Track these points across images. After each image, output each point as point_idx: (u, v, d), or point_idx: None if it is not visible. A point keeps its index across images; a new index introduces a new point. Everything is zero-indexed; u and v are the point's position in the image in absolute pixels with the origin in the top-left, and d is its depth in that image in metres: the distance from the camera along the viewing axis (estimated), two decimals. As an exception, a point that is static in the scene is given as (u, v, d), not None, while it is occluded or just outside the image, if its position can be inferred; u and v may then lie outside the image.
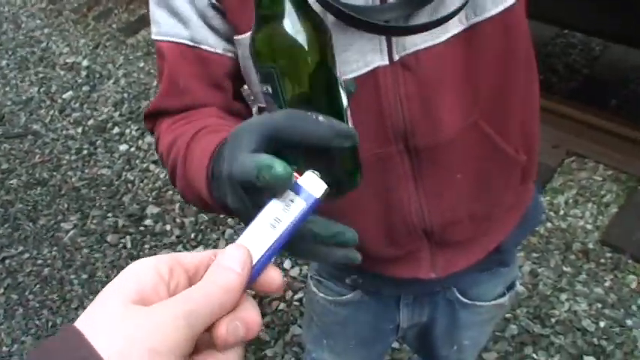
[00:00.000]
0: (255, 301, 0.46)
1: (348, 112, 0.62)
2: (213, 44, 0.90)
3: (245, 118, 0.96)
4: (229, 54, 0.91)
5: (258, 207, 0.52)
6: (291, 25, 0.57)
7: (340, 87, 0.61)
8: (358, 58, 0.84)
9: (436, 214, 1.00)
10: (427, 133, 0.90)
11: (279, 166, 0.50)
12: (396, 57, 0.85)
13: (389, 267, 1.11)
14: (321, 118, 0.54)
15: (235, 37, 0.88)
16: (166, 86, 0.94)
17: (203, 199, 0.73)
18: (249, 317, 0.44)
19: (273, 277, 0.46)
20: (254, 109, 0.98)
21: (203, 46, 0.90)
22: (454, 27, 0.83)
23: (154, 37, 0.94)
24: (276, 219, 0.50)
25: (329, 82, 0.60)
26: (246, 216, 0.59)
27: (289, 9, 0.57)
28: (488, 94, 0.91)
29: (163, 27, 0.92)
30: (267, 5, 0.57)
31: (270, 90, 0.59)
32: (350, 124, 0.61)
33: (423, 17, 0.81)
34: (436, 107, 0.88)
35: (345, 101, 0.61)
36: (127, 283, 0.41)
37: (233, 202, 0.61)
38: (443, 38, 0.84)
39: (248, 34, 0.83)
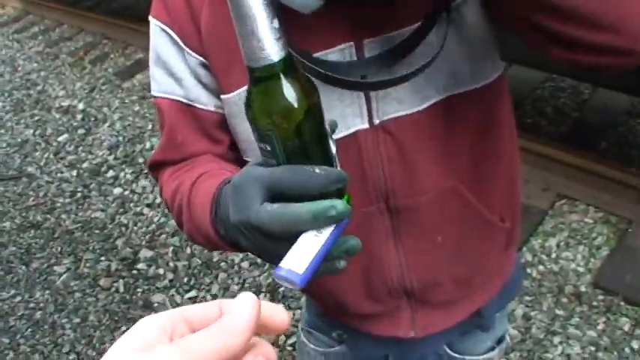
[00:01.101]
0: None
1: (337, 158, 0.67)
2: (205, 102, 0.94)
3: (241, 163, 0.99)
4: (221, 110, 0.94)
5: (275, 243, 0.63)
6: (287, 90, 0.60)
7: (329, 137, 0.66)
8: (340, 121, 0.85)
9: (416, 274, 1.02)
10: (407, 194, 0.93)
11: (340, 204, 0.59)
12: (377, 121, 0.88)
13: (369, 324, 1.13)
14: (317, 170, 0.61)
15: (222, 97, 0.91)
16: (166, 140, 0.99)
17: (211, 240, 0.80)
18: (268, 352, 0.46)
19: (280, 315, 0.47)
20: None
21: (196, 104, 0.94)
22: (433, 96, 0.87)
23: (153, 93, 0.98)
24: (316, 234, 0.61)
25: (321, 135, 0.64)
26: (260, 253, 0.69)
27: (283, 74, 0.60)
28: (467, 162, 0.94)
29: (161, 85, 0.96)
30: (262, 72, 0.60)
31: (268, 148, 0.62)
32: (338, 167, 0.67)
33: (400, 73, 0.83)
34: (415, 170, 0.91)
35: (333, 148, 0.66)
36: (131, 341, 0.43)
37: (247, 244, 0.68)
38: (422, 106, 0.87)
39: (233, 94, 0.88)
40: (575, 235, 2.87)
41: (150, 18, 0.94)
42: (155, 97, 0.98)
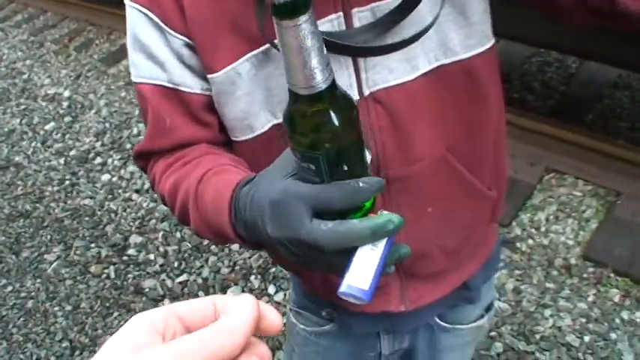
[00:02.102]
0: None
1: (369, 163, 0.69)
2: (191, 85, 0.92)
3: (229, 147, 0.98)
4: (207, 92, 0.92)
5: (329, 257, 0.66)
6: (335, 115, 0.62)
7: (366, 147, 0.67)
8: None
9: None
10: (398, 164, 0.92)
11: (396, 218, 0.64)
12: (367, 92, 0.87)
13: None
14: (361, 183, 0.64)
15: (209, 76, 0.89)
16: (153, 127, 0.96)
17: (229, 239, 0.82)
18: (263, 352, 0.44)
19: (272, 319, 0.46)
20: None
21: (181, 88, 0.92)
22: (424, 66, 0.86)
23: (133, 79, 0.96)
24: (372, 247, 0.65)
25: (361, 147, 0.66)
26: (307, 264, 0.72)
27: (330, 100, 0.61)
28: (457, 132, 0.94)
29: (142, 70, 0.93)
30: (311, 99, 0.60)
31: (312, 167, 0.64)
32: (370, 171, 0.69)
33: (391, 41, 0.83)
34: (407, 140, 0.90)
35: (368, 156, 0.68)
36: (122, 341, 0.41)
37: (291, 256, 0.70)
38: (412, 76, 0.86)
39: (220, 73, 0.86)
40: (564, 209, 2.88)
41: (125, 1, 0.92)
42: (136, 83, 0.95)
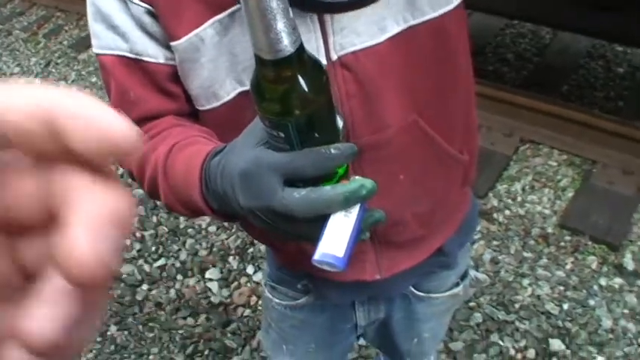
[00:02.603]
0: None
1: (343, 129, 0.68)
2: (154, 54, 0.89)
3: (196, 117, 0.96)
4: (171, 62, 0.90)
5: (302, 226, 0.65)
6: (304, 80, 0.60)
7: (337, 112, 0.66)
8: None
9: None
10: (369, 131, 0.90)
11: (369, 183, 0.64)
12: (334, 57, 0.85)
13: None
14: (332, 150, 0.63)
15: (171, 44, 0.87)
16: (117, 100, 0.93)
17: (201, 212, 0.81)
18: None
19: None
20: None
21: (144, 58, 0.89)
22: (392, 28, 0.84)
23: (95, 50, 0.93)
24: (345, 214, 0.64)
25: (332, 113, 0.65)
26: (280, 233, 0.70)
27: (298, 64, 0.59)
28: (428, 95, 0.92)
29: (103, 40, 0.90)
30: (278, 64, 0.58)
31: (282, 135, 0.62)
32: (343, 137, 0.68)
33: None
34: (377, 106, 0.89)
35: (340, 122, 0.67)
36: None
37: (264, 225, 0.69)
38: (381, 39, 0.84)
39: (183, 40, 0.84)
40: (540, 178, 2.89)
41: None
42: (98, 54, 0.92)
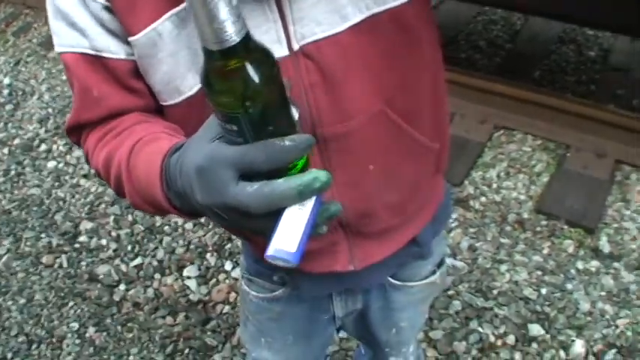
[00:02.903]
0: None
1: (299, 121, 0.66)
2: (115, 50, 0.88)
3: (162, 113, 0.95)
4: (132, 57, 0.89)
5: (257, 221, 0.63)
6: (252, 70, 0.58)
7: (291, 104, 0.64)
8: None
9: (351, 205, 0.99)
10: (334, 121, 0.89)
11: (323, 176, 0.61)
12: (296, 46, 0.84)
13: (308, 262, 1.09)
14: (286, 142, 0.61)
15: (129, 39, 0.85)
16: (80, 98, 0.92)
17: (164, 211, 0.79)
18: None
19: None
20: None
21: (105, 54, 0.88)
22: (353, 16, 0.83)
23: (56, 49, 0.91)
24: (299, 207, 0.62)
25: (286, 105, 0.63)
26: (237, 228, 0.71)
27: (245, 53, 0.57)
28: (394, 84, 0.91)
29: (63, 38, 0.89)
30: (224, 54, 0.57)
31: (234, 128, 0.60)
32: (300, 129, 0.66)
33: None
34: (341, 95, 0.88)
35: (295, 113, 0.65)
36: None
37: (221, 222, 0.68)
38: (343, 27, 0.83)
39: (140, 35, 0.83)
40: (515, 164, 2.90)
41: None
42: (60, 52, 0.91)
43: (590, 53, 3.60)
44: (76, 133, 0.98)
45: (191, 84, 0.87)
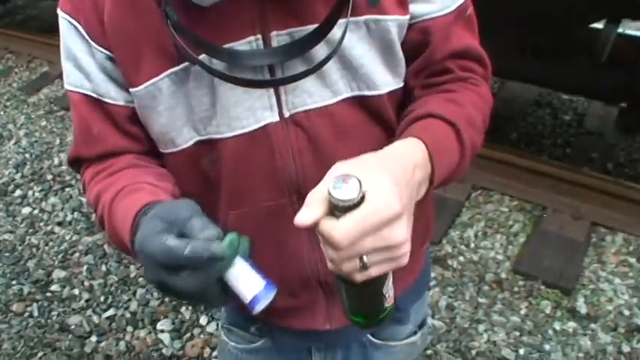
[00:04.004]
0: None
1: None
2: (115, 97, 0.92)
3: (159, 157, 1.00)
4: (131, 104, 0.93)
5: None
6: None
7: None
8: (249, 115, 0.88)
9: None
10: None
11: (227, 241, 0.71)
12: (287, 114, 0.89)
13: (286, 318, 1.11)
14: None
15: (130, 90, 0.90)
16: (80, 134, 0.97)
17: (130, 255, 0.84)
18: None
19: None
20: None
21: (106, 99, 0.93)
22: (345, 92, 0.89)
23: (65, 86, 0.96)
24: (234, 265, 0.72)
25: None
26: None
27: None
28: None
29: (71, 78, 0.94)
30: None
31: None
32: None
33: (299, 68, 0.85)
34: (328, 161, 0.89)
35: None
36: None
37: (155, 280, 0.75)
38: (333, 101, 0.89)
39: (141, 88, 0.88)
40: (492, 225, 2.93)
41: (58, 10, 0.92)
42: (67, 90, 0.96)
43: (565, 117, 3.69)
44: (77, 164, 1.02)
45: (186, 138, 0.92)
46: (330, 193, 0.62)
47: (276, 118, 0.88)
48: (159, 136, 0.94)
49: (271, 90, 0.87)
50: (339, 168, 0.68)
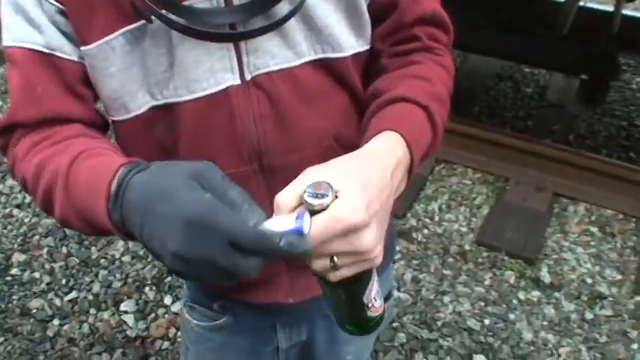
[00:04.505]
0: None
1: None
2: (68, 52, 0.85)
3: (105, 131, 0.93)
4: (84, 61, 0.86)
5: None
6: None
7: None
8: (209, 76, 0.84)
9: None
10: (281, 152, 0.91)
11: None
12: (248, 76, 0.86)
13: (248, 292, 1.09)
14: (282, 243, 0.62)
15: (82, 48, 0.84)
16: (21, 95, 0.87)
17: (100, 228, 0.74)
18: None
19: None
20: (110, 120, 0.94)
21: (58, 53, 0.85)
22: (308, 54, 0.87)
23: (4, 43, 0.87)
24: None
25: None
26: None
27: None
28: (343, 123, 0.94)
29: (16, 33, 0.86)
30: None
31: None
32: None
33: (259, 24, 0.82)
34: (290, 128, 0.89)
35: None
36: None
37: (178, 265, 0.66)
38: (296, 62, 0.86)
39: (93, 46, 0.82)
40: (456, 197, 2.95)
41: None
42: (8, 47, 0.87)
43: (527, 90, 3.72)
44: (6, 135, 0.91)
45: (140, 103, 0.86)
46: (304, 199, 0.63)
47: (238, 81, 0.85)
48: (109, 102, 0.88)
49: (232, 51, 0.84)
50: (309, 173, 0.67)
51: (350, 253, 0.66)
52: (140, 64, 0.83)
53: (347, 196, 0.64)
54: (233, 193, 0.67)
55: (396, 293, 2.48)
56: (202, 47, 0.82)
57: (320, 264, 0.67)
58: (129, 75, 0.84)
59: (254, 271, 0.64)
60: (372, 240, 0.66)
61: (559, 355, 2.29)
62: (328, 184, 0.64)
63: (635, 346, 2.33)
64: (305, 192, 0.64)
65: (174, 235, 0.63)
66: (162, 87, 0.85)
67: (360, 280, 0.72)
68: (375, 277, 0.75)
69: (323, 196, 0.63)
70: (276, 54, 0.85)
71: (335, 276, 0.68)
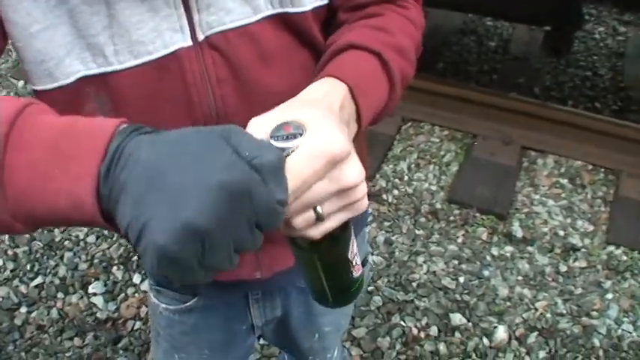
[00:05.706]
0: None
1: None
2: None
3: None
4: None
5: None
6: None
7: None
8: (155, 38, 0.74)
9: None
10: (243, 120, 0.82)
11: None
12: (201, 37, 0.77)
13: None
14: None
15: None
16: None
17: (58, 204, 0.53)
18: None
19: None
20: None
21: None
22: (266, 9, 0.79)
23: None
24: None
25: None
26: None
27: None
28: (305, 82, 0.86)
29: None
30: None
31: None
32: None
33: None
34: (250, 91, 0.82)
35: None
36: None
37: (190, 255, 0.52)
38: (253, 19, 0.78)
39: None
40: (425, 156, 2.92)
41: None
42: None
43: (490, 43, 3.68)
44: None
45: (68, 72, 0.75)
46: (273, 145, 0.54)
47: (189, 42, 0.76)
48: (33, 67, 0.75)
49: (181, 8, 0.74)
50: (254, 123, 0.60)
51: (335, 194, 0.58)
52: (69, 23, 0.72)
53: (316, 128, 0.57)
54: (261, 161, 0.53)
55: (370, 257, 2.46)
56: (145, 4, 0.72)
57: (302, 219, 0.59)
58: (55, 35, 0.72)
59: (255, 248, 0.54)
60: (357, 172, 0.59)
61: (536, 310, 2.29)
62: (293, 122, 0.56)
63: (609, 295, 2.34)
64: (270, 139, 0.55)
65: (195, 200, 0.49)
66: (97, 52, 0.74)
67: (346, 232, 0.65)
68: (352, 229, 0.68)
69: (295, 136, 0.55)
70: (231, 10, 0.77)
71: (319, 230, 0.60)
